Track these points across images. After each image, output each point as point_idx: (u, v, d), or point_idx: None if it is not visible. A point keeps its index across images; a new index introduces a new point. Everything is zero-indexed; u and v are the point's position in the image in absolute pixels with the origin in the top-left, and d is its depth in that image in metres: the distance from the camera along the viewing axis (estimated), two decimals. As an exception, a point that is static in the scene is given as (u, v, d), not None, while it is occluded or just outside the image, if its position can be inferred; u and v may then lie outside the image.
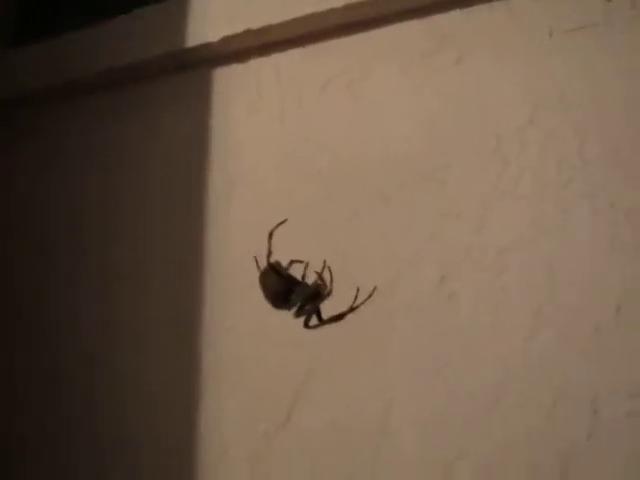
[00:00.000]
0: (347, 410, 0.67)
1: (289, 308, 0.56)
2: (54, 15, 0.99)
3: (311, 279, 0.55)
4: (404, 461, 0.64)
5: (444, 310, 0.65)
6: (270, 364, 0.71)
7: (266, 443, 0.69)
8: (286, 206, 0.73)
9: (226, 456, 0.71)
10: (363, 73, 0.73)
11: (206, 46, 0.79)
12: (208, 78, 0.81)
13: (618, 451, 0.57)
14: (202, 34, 0.79)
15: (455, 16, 0.68)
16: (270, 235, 0.55)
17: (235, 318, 0.73)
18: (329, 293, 0.55)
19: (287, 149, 0.75)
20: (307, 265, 0.55)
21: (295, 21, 0.75)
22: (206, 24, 0.79)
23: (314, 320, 0.56)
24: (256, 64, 0.79)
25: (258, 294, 0.58)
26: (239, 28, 0.77)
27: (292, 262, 0.56)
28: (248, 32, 0.77)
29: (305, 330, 0.69)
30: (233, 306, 0.73)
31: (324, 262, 0.54)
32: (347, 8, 0.72)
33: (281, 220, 0.56)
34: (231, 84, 0.80)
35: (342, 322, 0.68)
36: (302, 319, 0.56)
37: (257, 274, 0.57)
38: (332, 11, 0.73)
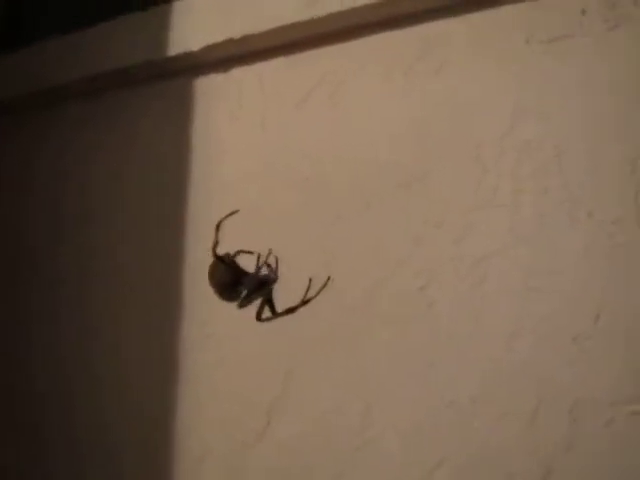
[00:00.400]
0: (326, 418, 0.66)
1: (237, 299, 0.54)
2: (36, 23, 0.98)
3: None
4: (384, 469, 0.64)
5: (424, 318, 0.65)
6: (249, 371, 0.70)
7: (243, 454, 0.68)
8: (267, 213, 0.73)
9: (203, 465, 0.70)
10: (344, 81, 0.73)
11: (188, 55, 0.79)
12: (189, 86, 0.81)
13: (597, 459, 0.57)
14: (184, 43, 0.79)
15: (436, 26, 0.69)
16: (217, 226, 0.53)
17: (215, 325, 0.72)
18: (274, 280, 0.53)
19: (269, 156, 0.75)
20: (260, 256, 0.53)
21: (277, 30, 0.75)
22: (188, 33, 0.79)
23: (267, 313, 0.54)
24: (238, 73, 0.79)
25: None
26: (221, 37, 0.77)
27: (239, 252, 0.54)
28: (230, 41, 0.77)
29: (285, 337, 0.69)
30: (212, 313, 0.72)
31: (269, 250, 0.53)
32: (329, 17, 0.72)
33: (231, 211, 0.54)
34: (213, 92, 0.80)
35: (323, 328, 0.68)
36: (248, 309, 0.54)
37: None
38: (314, 20, 0.73)
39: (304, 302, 0.53)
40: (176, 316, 0.74)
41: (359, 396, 0.66)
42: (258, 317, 0.55)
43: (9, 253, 0.88)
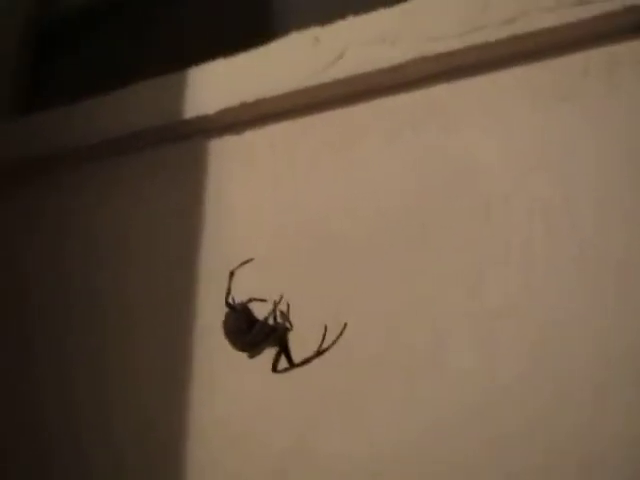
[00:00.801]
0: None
1: (249, 349, 0.52)
2: (51, 89, 1.02)
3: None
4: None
5: (436, 375, 0.64)
6: (258, 431, 0.69)
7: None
8: (280, 273, 0.73)
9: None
10: (353, 143, 0.75)
11: (203, 118, 0.81)
12: (201, 148, 0.83)
13: None
14: (199, 106, 0.81)
15: (441, 89, 0.71)
16: (231, 274, 0.53)
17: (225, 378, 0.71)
18: (285, 328, 0.51)
19: (280, 214, 0.76)
20: (275, 304, 0.52)
21: (288, 95, 0.78)
22: (203, 97, 0.81)
23: (283, 364, 0.53)
24: (250, 135, 0.81)
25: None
26: (235, 101, 0.79)
27: (251, 300, 0.53)
28: (244, 105, 0.79)
29: (294, 395, 0.67)
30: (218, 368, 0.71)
31: (280, 296, 0.51)
32: (338, 82, 0.75)
33: (246, 260, 0.54)
34: (225, 154, 0.82)
35: (334, 383, 0.67)
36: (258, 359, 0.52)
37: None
38: (324, 85, 0.76)
39: (320, 352, 0.52)
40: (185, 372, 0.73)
41: (366, 458, 0.64)
42: (274, 368, 0.52)
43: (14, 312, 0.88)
